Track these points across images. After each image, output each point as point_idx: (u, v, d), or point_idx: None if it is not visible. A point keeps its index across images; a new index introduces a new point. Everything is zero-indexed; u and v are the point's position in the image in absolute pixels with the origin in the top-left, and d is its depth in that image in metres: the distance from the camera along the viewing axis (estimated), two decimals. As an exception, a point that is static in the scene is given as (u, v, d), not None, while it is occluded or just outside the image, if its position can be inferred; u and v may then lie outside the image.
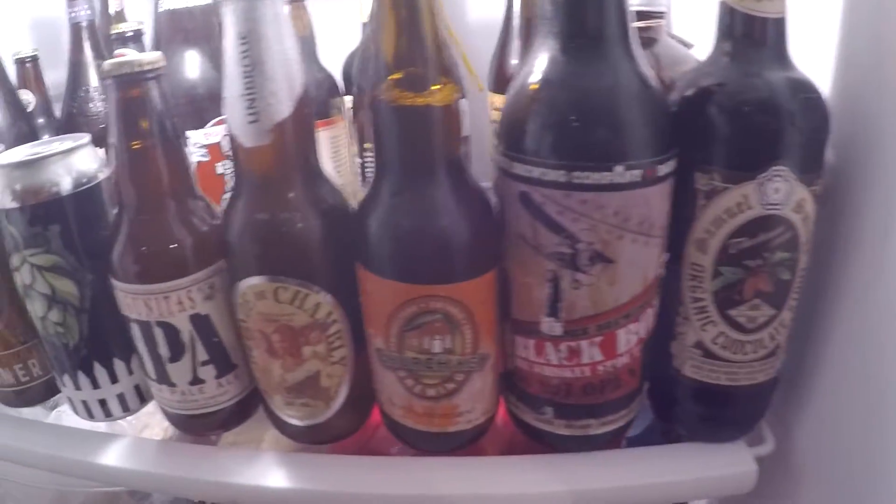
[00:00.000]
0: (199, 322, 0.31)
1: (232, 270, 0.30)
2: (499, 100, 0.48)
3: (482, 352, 0.29)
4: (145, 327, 0.31)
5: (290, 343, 0.30)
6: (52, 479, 0.42)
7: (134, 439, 0.35)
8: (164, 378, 0.32)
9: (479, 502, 0.31)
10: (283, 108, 0.27)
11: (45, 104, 0.53)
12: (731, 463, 0.31)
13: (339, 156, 0.48)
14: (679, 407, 0.32)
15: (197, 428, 0.34)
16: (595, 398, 0.30)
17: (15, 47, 0.53)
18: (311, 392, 0.31)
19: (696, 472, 0.31)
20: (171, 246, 0.30)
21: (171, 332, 0.31)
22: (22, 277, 0.33)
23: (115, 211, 0.32)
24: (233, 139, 0.28)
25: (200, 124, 0.40)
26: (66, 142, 0.33)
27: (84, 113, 0.48)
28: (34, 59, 0.54)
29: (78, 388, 0.35)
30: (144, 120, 0.29)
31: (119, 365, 0.35)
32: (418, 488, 0.31)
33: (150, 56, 0.29)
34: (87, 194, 0.32)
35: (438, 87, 0.26)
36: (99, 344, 0.34)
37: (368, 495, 0.31)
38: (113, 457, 0.34)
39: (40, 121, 0.50)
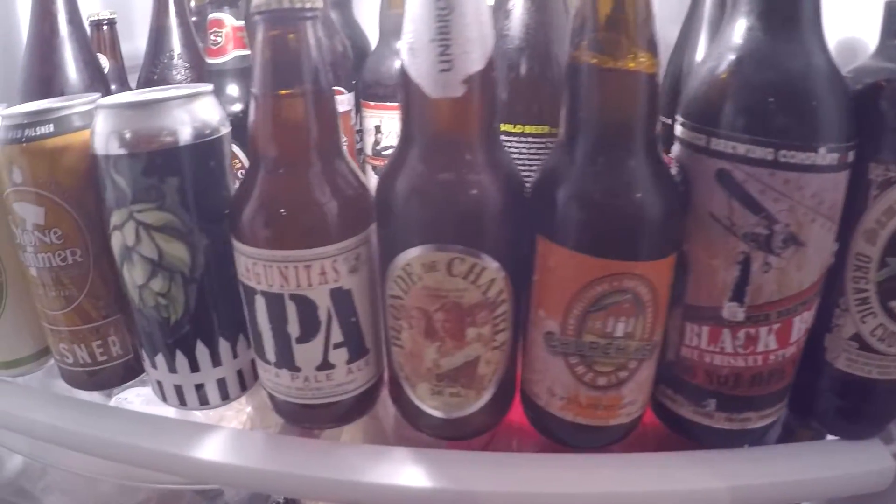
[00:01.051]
0: (340, 297, 0.27)
1: (388, 239, 0.26)
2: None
3: (656, 338, 0.27)
4: (275, 301, 0.26)
5: (454, 323, 0.26)
6: (109, 471, 0.36)
7: (235, 431, 0.30)
8: (286, 361, 0.27)
9: (646, 500, 0.27)
10: (477, 59, 0.24)
11: (119, 71, 0.48)
12: (871, 460, 0.29)
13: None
14: (821, 400, 0.30)
15: (314, 420, 0.29)
16: (760, 389, 0.28)
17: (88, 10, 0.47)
18: (465, 380, 0.27)
19: (840, 468, 0.29)
20: (318, 208, 0.26)
21: (306, 307, 0.26)
22: (123, 237, 0.27)
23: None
24: (410, 91, 0.24)
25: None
26: (184, 89, 0.28)
27: (166, 80, 0.42)
28: (111, 22, 0.48)
29: (173, 370, 0.30)
30: (298, 64, 0.25)
31: (224, 346, 0.30)
32: (563, 486, 0.27)
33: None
34: (209, 147, 0.28)
35: (646, 55, 0.23)
36: (205, 320, 0.29)
37: (520, 494, 0.27)
38: (216, 451, 0.28)
39: (112, 88, 0.44)
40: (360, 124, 0.45)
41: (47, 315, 0.32)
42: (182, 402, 0.30)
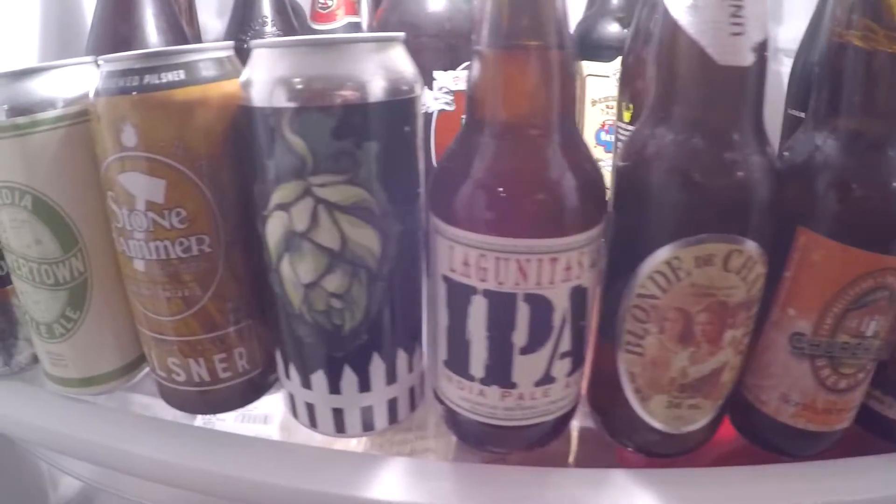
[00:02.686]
0: (577, 298, 0.21)
1: (642, 230, 0.21)
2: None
3: (893, 337, 0.23)
4: (503, 303, 0.20)
5: (715, 326, 0.21)
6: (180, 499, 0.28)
7: (412, 462, 0.23)
8: (500, 376, 0.21)
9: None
10: (763, 26, 0.19)
11: (196, 40, 0.38)
12: None
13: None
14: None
15: (509, 444, 0.23)
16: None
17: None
18: (707, 390, 0.22)
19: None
20: (571, 187, 0.20)
21: (541, 309, 0.20)
22: (290, 220, 0.20)
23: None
24: (687, 55, 0.19)
25: (450, 65, 0.29)
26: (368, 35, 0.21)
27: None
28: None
29: (336, 390, 0.23)
30: (538, 16, 0.19)
31: (402, 359, 0.23)
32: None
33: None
34: (408, 107, 0.21)
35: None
36: (385, 328, 0.22)
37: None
38: (408, 489, 0.22)
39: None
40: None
41: (153, 321, 0.24)
42: (340, 429, 0.23)
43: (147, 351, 0.25)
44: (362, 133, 0.20)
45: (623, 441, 0.25)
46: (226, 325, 0.24)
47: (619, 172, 0.22)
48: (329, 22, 0.33)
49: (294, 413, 0.24)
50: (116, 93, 0.21)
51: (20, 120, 0.24)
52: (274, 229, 0.21)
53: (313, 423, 0.24)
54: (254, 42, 0.21)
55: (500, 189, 0.20)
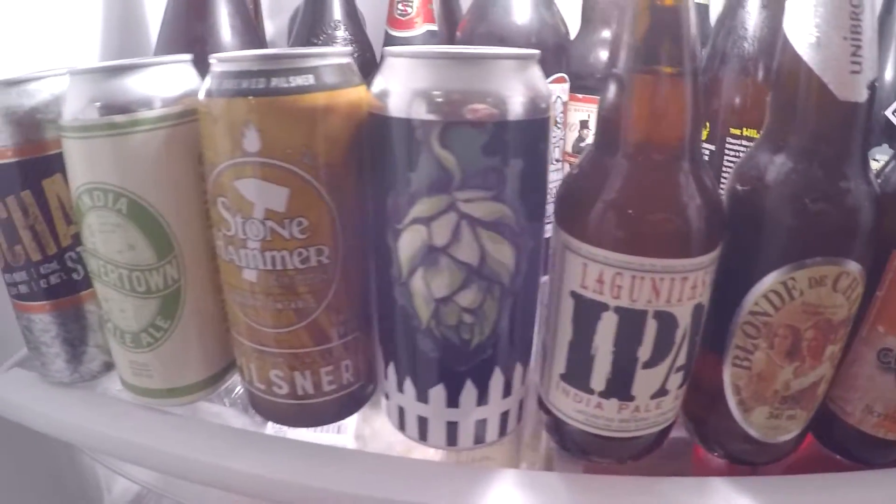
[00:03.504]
0: (697, 314, 0.21)
1: (757, 251, 0.21)
2: None
3: None
4: (633, 319, 0.20)
5: (820, 342, 0.22)
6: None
7: (515, 472, 0.23)
8: (620, 390, 0.22)
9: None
10: (875, 66, 0.20)
11: (263, 44, 0.36)
12: None
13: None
14: None
15: (617, 454, 0.24)
16: None
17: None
18: (805, 401, 0.23)
19: None
20: (706, 208, 0.20)
21: (667, 326, 0.21)
22: (429, 234, 0.20)
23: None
24: (807, 88, 0.20)
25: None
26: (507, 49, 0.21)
27: None
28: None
29: (454, 404, 0.22)
30: (682, 36, 0.19)
31: (518, 372, 0.23)
32: None
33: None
34: (546, 125, 0.21)
35: None
36: (508, 342, 0.22)
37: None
38: (502, 499, 0.22)
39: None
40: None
41: (257, 333, 0.23)
42: (451, 442, 0.23)
43: (244, 362, 0.24)
44: (509, 150, 0.20)
45: (713, 448, 0.26)
46: (336, 338, 0.23)
47: (736, 196, 0.23)
48: (408, 29, 0.32)
49: (401, 426, 0.24)
50: (238, 94, 0.20)
51: (119, 118, 0.22)
52: (409, 243, 0.20)
53: (423, 437, 0.23)
54: (389, 50, 0.21)
55: (642, 211, 0.20)
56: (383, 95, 0.20)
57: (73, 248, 0.26)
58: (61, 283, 0.26)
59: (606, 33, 0.36)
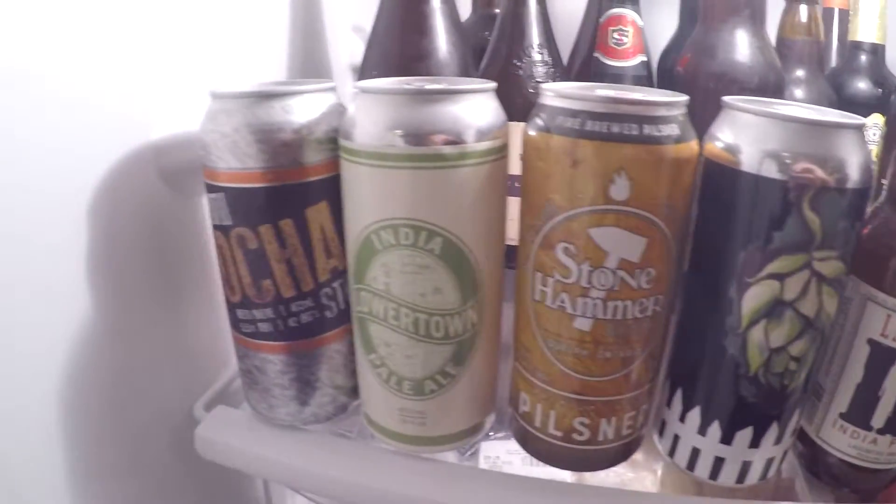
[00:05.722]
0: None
1: None
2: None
3: None
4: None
5: None
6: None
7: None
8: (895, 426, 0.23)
9: None
10: None
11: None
12: None
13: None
14: None
15: (868, 483, 0.25)
16: None
17: None
18: None
19: None
20: None
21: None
22: (780, 289, 0.20)
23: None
24: None
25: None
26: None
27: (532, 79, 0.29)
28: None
29: (756, 444, 0.22)
30: None
31: (799, 411, 0.24)
32: None
33: None
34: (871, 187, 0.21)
35: None
36: (810, 384, 0.23)
37: None
38: None
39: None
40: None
41: (571, 381, 0.21)
42: (740, 479, 0.23)
43: (542, 409, 0.23)
44: (855, 213, 0.20)
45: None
46: (645, 383, 0.22)
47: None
48: (623, 59, 0.31)
49: (690, 466, 0.24)
50: (610, 139, 0.19)
51: (447, 150, 0.20)
52: (757, 296, 0.20)
53: (714, 476, 0.23)
54: (732, 103, 0.20)
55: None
56: (734, 150, 0.20)
57: (330, 283, 0.23)
58: (313, 322, 0.23)
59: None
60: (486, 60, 0.32)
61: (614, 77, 0.31)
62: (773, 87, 0.31)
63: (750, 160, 0.20)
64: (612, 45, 0.30)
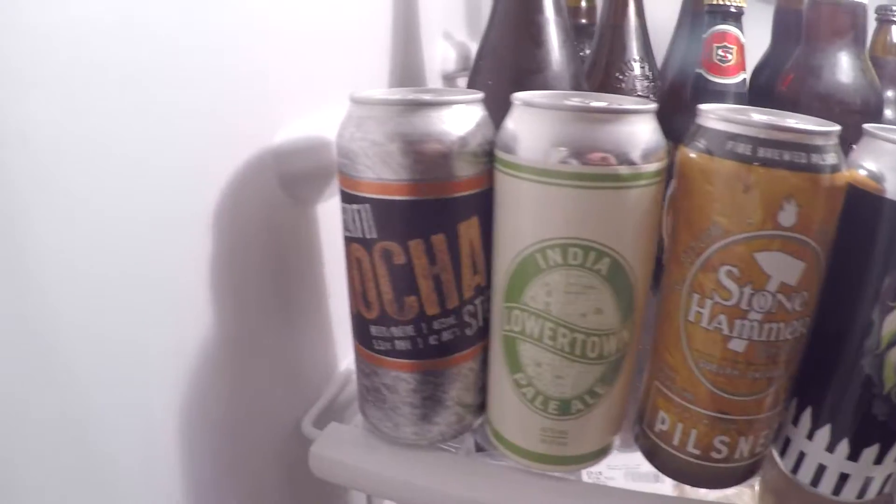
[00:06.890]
0: None
1: None
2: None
3: None
4: None
5: None
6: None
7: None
8: None
9: None
10: None
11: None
12: None
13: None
14: None
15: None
16: None
17: None
18: None
19: None
20: None
21: None
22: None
23: None
24: None
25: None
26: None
27: (632, 93, 0.30)
28: None
29: (879, 461, 0.23)
30: None
31: (908, 427, 0.25)
32: None
33: None
34: None
35: None
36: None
37: None
38: None
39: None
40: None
41: (717, 400, 0.22)
42: (861, 495, 0.24)
43: (683, 428, 0.23)
44: None
45: None
46: (783, 401, 0.23)
47: None
48: (727, 76, 0.31)
49: (815, 482, 0.24)
50: (781, 166, 0.19)
51: (622, 170, 0.19)
52: (892, 323, 0.21)
53: (837, 492, 0.24)
54: (874, 132, 0.21)
55: None
56: (879, 178, 0.21)
57: (472, 300, 0.22)
58: (453, 340, 0.22)
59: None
60: (587, 71, 0.32)
61: (717, 94, 0.32)
62: (875, 109, 0.32)
63: (887, 187, 0.21)
64: (717, 62, 0.31)
